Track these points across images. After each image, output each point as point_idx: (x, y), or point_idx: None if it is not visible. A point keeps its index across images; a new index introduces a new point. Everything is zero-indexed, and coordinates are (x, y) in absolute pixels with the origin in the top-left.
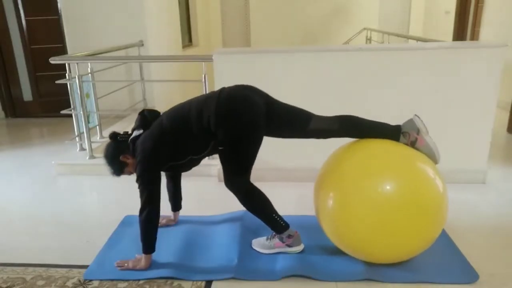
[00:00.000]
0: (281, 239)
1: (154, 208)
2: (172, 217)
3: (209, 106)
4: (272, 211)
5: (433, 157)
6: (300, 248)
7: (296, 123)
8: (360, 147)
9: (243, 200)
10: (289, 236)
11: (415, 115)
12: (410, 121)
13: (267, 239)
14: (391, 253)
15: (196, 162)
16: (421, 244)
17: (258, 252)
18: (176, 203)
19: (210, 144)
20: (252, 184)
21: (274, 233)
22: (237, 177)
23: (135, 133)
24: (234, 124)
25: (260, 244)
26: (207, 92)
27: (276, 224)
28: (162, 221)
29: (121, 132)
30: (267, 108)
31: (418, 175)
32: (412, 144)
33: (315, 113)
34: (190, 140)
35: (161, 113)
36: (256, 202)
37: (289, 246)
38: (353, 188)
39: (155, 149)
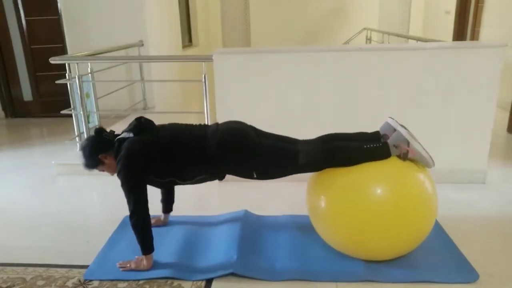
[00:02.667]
0: None
1: (142, 213)
2: (162, 218)
3: (212, 137)
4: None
5: (426, 163)
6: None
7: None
8: None
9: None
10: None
11: (390, 117)
12: (397, 133)
13: None
14: (384, 250)
15: (175, 184)
16: (412, 240)
17: None
18: (167, 205)
19: (202, 175)
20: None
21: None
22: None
23: (124, 134)
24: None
25: None
26: (200, 125)
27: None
28: (151, 220)
29: (108, 130)
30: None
31: (405, 176)
32: (405, 156)
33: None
34: (181, 166)
35: (155, 124)
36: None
37: None
38: (342, 189)
39: (140, 156)
